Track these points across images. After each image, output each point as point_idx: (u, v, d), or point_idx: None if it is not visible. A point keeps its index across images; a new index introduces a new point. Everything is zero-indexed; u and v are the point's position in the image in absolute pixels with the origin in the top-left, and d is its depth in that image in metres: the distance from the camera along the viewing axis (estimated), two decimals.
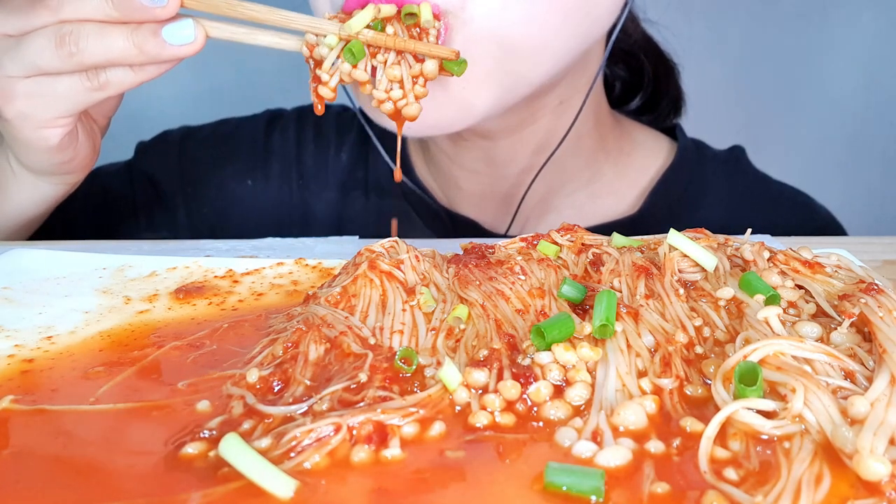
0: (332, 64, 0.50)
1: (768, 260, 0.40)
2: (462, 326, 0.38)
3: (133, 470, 0.28)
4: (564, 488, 0.26)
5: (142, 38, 0.49)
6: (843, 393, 0.30)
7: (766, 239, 0.55)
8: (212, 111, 0.88)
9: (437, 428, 0.30)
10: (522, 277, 0.41)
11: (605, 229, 0.51)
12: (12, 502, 0.26)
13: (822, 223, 0.77)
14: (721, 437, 0.28)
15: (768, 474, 0.26)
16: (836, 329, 0.34)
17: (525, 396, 0.31)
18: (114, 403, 0.33)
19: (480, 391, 0.32)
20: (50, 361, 0.38)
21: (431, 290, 0.40)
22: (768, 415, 0.29)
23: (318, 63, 0.50)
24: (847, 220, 0.79)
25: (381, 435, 0.29)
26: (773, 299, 0.36)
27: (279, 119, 0.84)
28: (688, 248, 0.41)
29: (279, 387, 0.33)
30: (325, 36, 0.49)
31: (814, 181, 0.89)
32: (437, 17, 0.50)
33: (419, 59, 0.50)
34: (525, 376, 0.32)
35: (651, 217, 0.72)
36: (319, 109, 0.52)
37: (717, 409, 0.29)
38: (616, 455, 0.28)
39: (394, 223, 0.56)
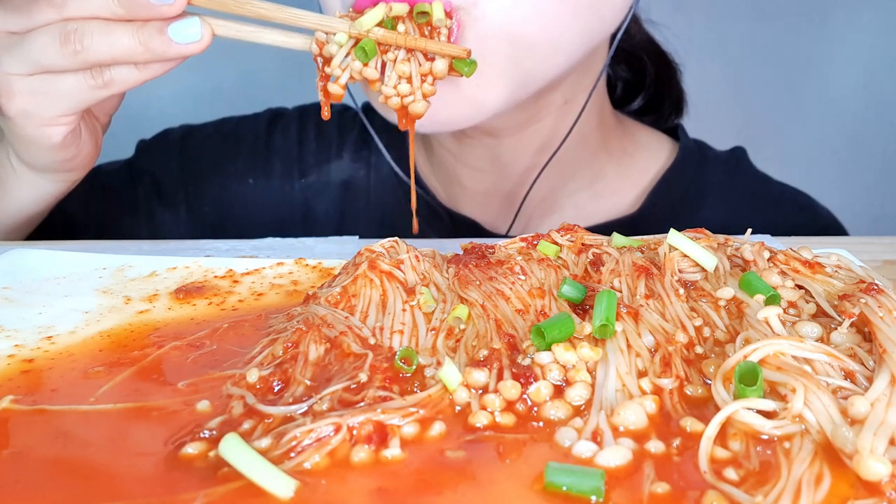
0: (342, 62, 0.49)
1: (768, 260, 0.40)
2: (462, 326, 0.38)
3: (133, 470, 0.28)
4: (564, 488, 0.26)
5: (147, 36, 0.49)
6: (844, 393, 0.30)
7: (767, 239, 0.55)
8: (213, 111, 0.88)
9: (437, 428, 0.30)
10: (522, 277, 0.41)
11: (605, 229, 0.51)
12: (12, 502, 0.26)
13: (823, 224, 0.77)
14: (721, 437, 0.28)
15: (768, 474, 0.26)
16: (836, 329, 0.34)
17: (525, 396, 0.31)
18: (114, 403, 0.33)
19: (480, 391, 0.32)
20: (50, 361, 0.38)
21: (431, 290, 0.40)
22: (768, 415, 0.29)
23: (327, 61, 0.50)
24: (847, 220, 0.79)
25: (381, 435, 0.29)
26: (773, 299, 0.36)
27: (281, 118, 0.84)
28: (688, 248, 0.41)
29: (279, 387, 0.33)
30: (334, 34, 0.49)
31: (814, 181, 0.89)
32: (448, 14, 0.50)
33: (429, 57, 0.50)
34: (525, 376, 0.32)
35: (651, 217, 0.72)
36: (326, 112, 0.52)
37: (717, 409, 0.29)
38: (616, 455, 0.28)
39: (415, 222, 0.56)
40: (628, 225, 0.72)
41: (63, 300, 0.46)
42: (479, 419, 0.30)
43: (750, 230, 0.47)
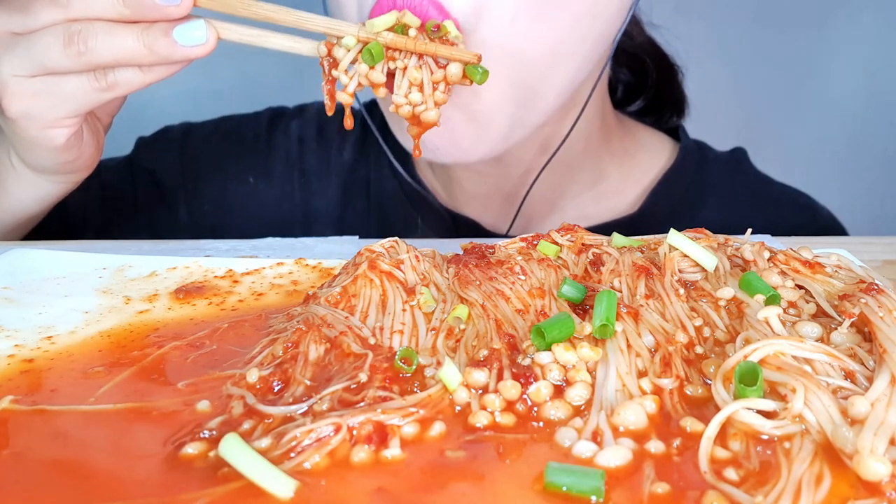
0: (349, 68, 0.49)
1: (768, 260, 0.40)
2: (462, 326, 0.38)
3: (133, 470, 0.28)
4: (564, 488, 0.26)
5: (152, 39, 0.49)
6: (844, 393, 0.30)
7: (767, 239, 0.55)
8: (213, 110, 0.88)
9: (437, 428, 0.30)
10: (522, 277, 0.41)
11: (606, 229, 0.51)
12: (12, 502, 0.26)
13: (823, 224, 0.77)
14: (721, 437, 0.28)
15: (768, 474, 0.26)
16: (836, 329, 0.34)
17: (525, 396, 0.31)
18: (114, 403, 0.33)
19: (480, 391, 0.32)
20: (50, 361, 0.38)
21: (431, 290, 0.40)
22: (768, 415, 0.29)
23: (335, 64, 0.50)
24: (847, 220, 0.79)
25: (381, 435, 0.29)
26: (773, 299, 0.36)
27: (281, 117, 0.84)
28: (688, 248, 0.41)
29: (279, 387, 0.33)
30: (343, 38, 0.49)
31: (814, 181, 0.89)
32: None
33: (441, 64, 0.49)
34: (525, 376, 0.32)
35: (652, 217, 0.72)
36: (330, 107, 0.52)
37: (717, 409, 0.29)
38: (616, 455, 0.28)
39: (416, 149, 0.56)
40: (629, 225, 0.72)
41: (63, 300, 0.46)
42: (479, 419, 0.30)
43: (750, 230, 0.47)
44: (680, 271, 0.41)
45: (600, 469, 0.27)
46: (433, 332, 0.37)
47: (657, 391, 0.31)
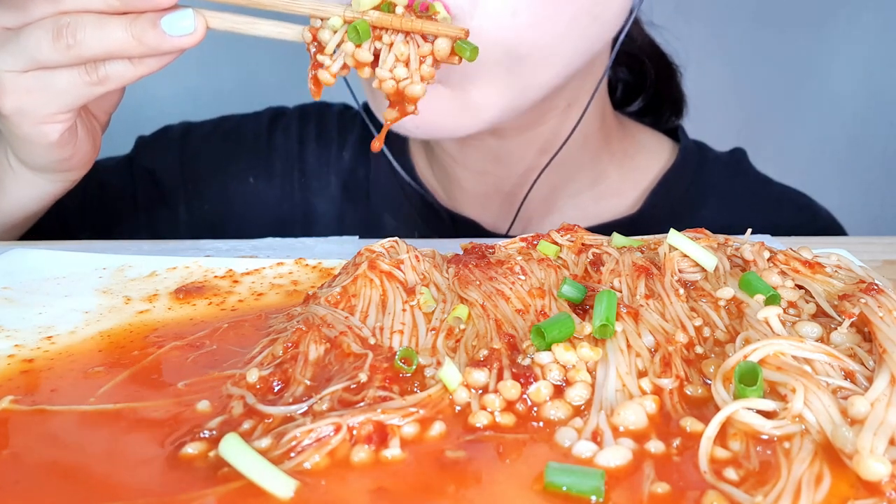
0: (336, 48, 0.49)
1: (768, 260, 0.40)
2: (462, 326, 0.38)
3: (133, 470, 0.28)
4: (564, 488, 0.26)
5: (140, 30, 0.49)
6: (843, 393, 0.30)
7: (766, 239, 0.55)
8: (212, 111, 0.88)
9: (437, 428, 0.30)
10: (522, 277, 0.41)
11: (606, 229, 0.51)
12: (12, 502, 0.26)
13: (822, 225, 0.77)
14: (721, 437, 0.28)
15: (768, 474, 0.26)
16: (836, 329, 0.34)
17: (525, 396, 0.31)
18: (114, 403, 0.33)
19: (480, 391, 0.32)
20: (50, 361, 0.38)
21: (431, 290, 0.40)
22: (768, 415, 0.29)
23: (321, 48, 0.49)
24: (847, 220, 0.79)
25: (381, 435, 0.29)
26: (773, 299, 0.36)
27: (282, 117, 0.84)
28: (688, 248, 0.41)
29: (279, 387, 0.33)
30: (328, 19, 0.48)
31: (814, 181, 0.89)
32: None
33: (429, 39, 0.48)
34: (525, 376, 0.32)
35: (652, 218, 0.72)
36: (315, 92, 0.51)
37: (717, 409, 0.29)
38: (616, 455, 0.28)
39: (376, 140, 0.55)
40: (628, 226, 0.72)
41: (63, 300, 0.46)
42: (479, 419, 0.30)
43: (750, 230, 0.47)
44: (680, 271, 0.41)
45: (600, 469, 0.27)
46: (433, 332, 0.37)
47: (657, 391, 0.31)
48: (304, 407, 0.31)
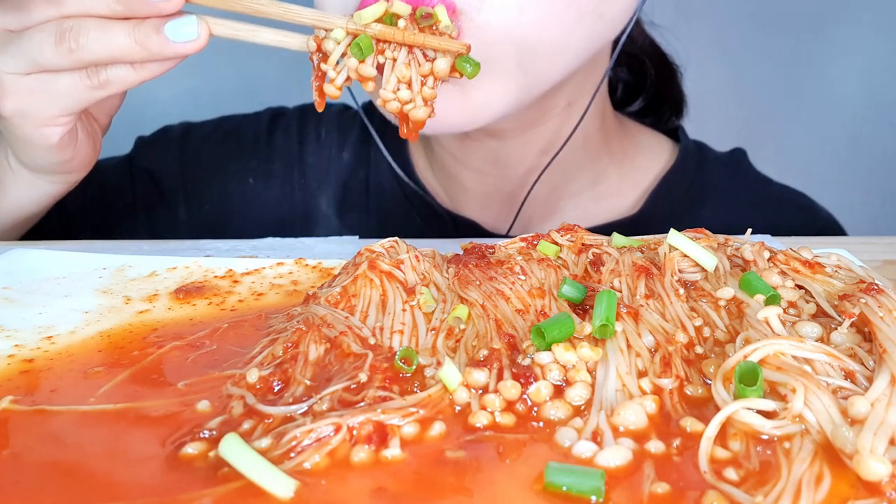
0: (339, 60, 0.49)
1: (768, 260, 0.40)
2: (462, 326, 0.38)
3: (133, 470, 0.28)
4: (564, 488, 0.26)
5: (144, 35, 0.49)
6: (844, 393, 0.30)
7: (767, 239, 0.55)
8: (212, 111, 0.88)
9: (437, 428, 0.30)
10: (522, 277, 0.41)
11: (606, 230, 0.51)
12: (12, 502, 0.26)
13: (822, 225, 0.77)
14: (721, 437, 0.28)
15: (768, 474, 0.26)
16: (836, 329, 0.34)
17: (525, 396, 0.31)
18: (114, 404, 0.33)
19: (480, 391, 0.32)
20: (50, 362, 0.38)
21: (431, 290, 0.40)
22: (768, 415, 0.29)
23: (324, 58, 0.50)
24: (847, 220, 0.79)
25: (381, 435, 0.29)
26: (773, 299, 0.36)
27: (281, 117, 0.84)
28: (688, 247, 0.41)
29: (279, 387, 0.33)
30: (332, 30, 0.49)
31: (814, 181, 0.89)
32: (452, 17, 0.50)
33: (428, 58, 0.49)
34: (525, 376, 0.32)
35: (652, 218, 0.72)
36: (320, 104, 0.51)
37: (717, 409, 0.29)
38: (616, 455, 0.28)
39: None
40: (628, 226, 0.72)
41: (63, 300, 0.46)
42: (479, 419, 0.30)
43: (750, 230, 0.47)
44: (680, 271, 0.41)
45: (600, 469, 0.27)
46: (433, 332, 0.37)
47: (657, 391, 0.31)
48: (304, 407, 0.31)
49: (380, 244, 0.44)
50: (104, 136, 0.62)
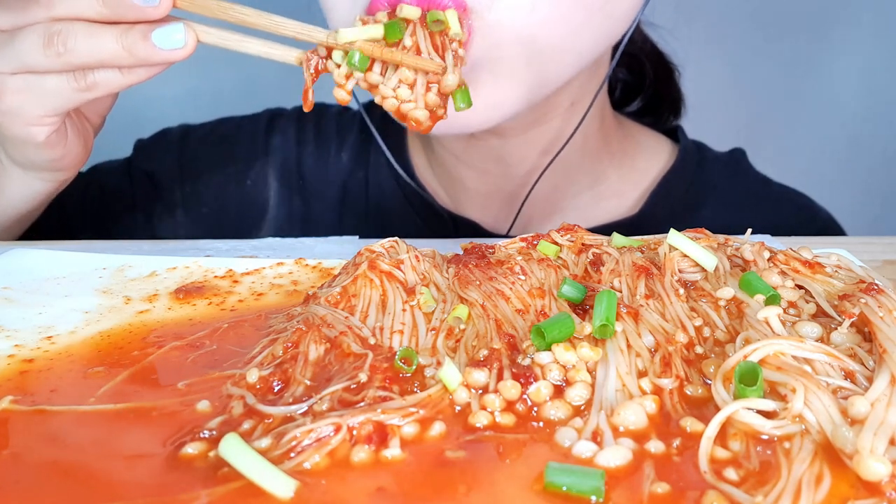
0: (346, 69, 0.49)
1: (768, 260, 0.40)
2: (462, 326, 0.38)
3: (133, 470, 0.28)
4: (564, 488, 0.26)
5: (131, 41, 0.49)
6: (844, 393, 0.30)
7: (766, 239, 0.55)
8: (212, 111, 0.88)
9: (437, 428, 0.30)
10: (522, 277, 0.41)
11: (606, 231, 0.51)
12: (12, 502, 0.26)
13: (822, 225, 0.77)
14: (721, 437, 0.28)
15: (768, 474, 0.26)
16: (836, 329, 0.34)
17: (525, 396, 0.31)
18: (114, 404, 0.33)
19: (480, 391, 0.32)
20: (49, 362, 0.38)
21: (431, 290, 0.40)
22: (768, 415, 0.29)
23: (329, 53, 0.49)
24: (847, 220, 0.79)
25: (381, 435, 0.29)
26: (773, 299, 0.36)
27: (280, 118, 0.84)
28: (688, 248, 0.41)
29: (279, 387, 0.33)
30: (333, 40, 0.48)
31: (814, 181, 0.89)
32: (461, 18, 0.50)
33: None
34: (525, 376, 0.32)
35: (652, 218, 0.72)
36: (309, 104, 0.51)
37: (717, 409, 0.29)
38: (616, 455, 0.28)
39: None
40: (628, 226, 0.72)
41: (63, 300, 0.46)
42: (479, 419, 0.30)
43: (750, 230, 0.47)
44: (680, 271, 0.41)
45: (600, 469, 0.27)
46: (433, 332, 0.37)
47: (657, 391, 0.31)
48: (304, 407, 0.31)
49: (380, 244, 0.44)
50: (97, 135, 0.62)
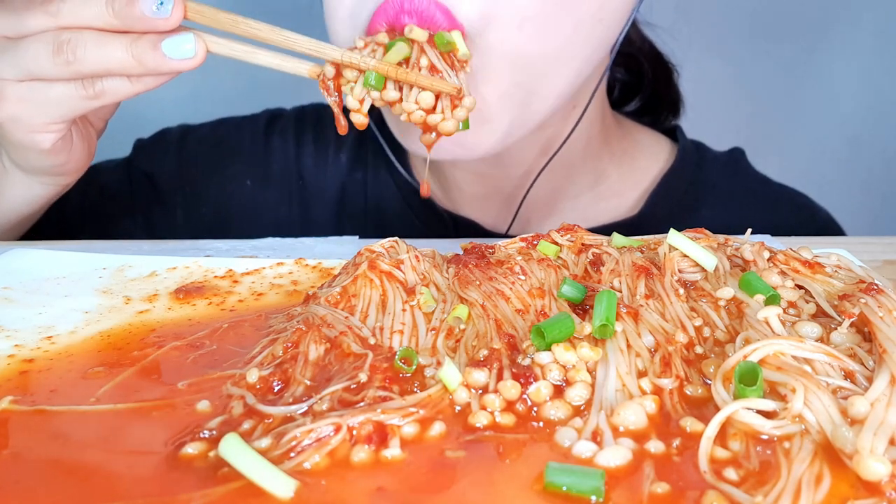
0: (361, 89, 0.49)
1: (768, 260, 0.40)
2: (462, 326, 0.38)
3: (133, 470, 0.28)
4: (564, 488, 0.26)
5: (141, 51, 0.49)
6: (843, 393, 0.30)
7: (766, 239, 0.55)
8: (212, 112, 0.88)
9: (437, 428, 0.30)
10: (522, 277, 0.41)
11: (606, 231, 0.51)
12: (12, 502, 0.26)
13: (821, 224, 0.77)
14: (721, 437, 0.28)
15: (768, 474, 0.26)
16: (836, 329, 0.34)
17: (525, 396, 0.31)
18: (114, 404, 0.33)
19: (480, 391, 0.32)
20: (49, 362, 0.38)
21: (431, 290, 0.40)
22: (768, 415, 0.29)
23: (339, 72, 0.50)
24: (847, 220, 0.79)
25: (381, 435, 0.29)
26: (773, 299, 0.36)
27: (279, 119, 0.84)
28: (688, 247, 0.41)
29: (279, 387, 0.33)
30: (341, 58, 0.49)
31: (814, 181, 0.89)
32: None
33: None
34: (525, 376, 0.32)
35: (652, 218, 0.72)
36: (344, 127, 0.52)
37: (717, 409, 0.29)
38: (616, 455, 0.28)
39: (424, 184, 0.55)
40: (628, 227, 0.72)
41: (63, 300, 0.46)
42: (479, 419, 0.30)
43: (750, 230, 0.47)
44: (680, 271, 0.41)
45: (600, 469, 0.27)
46: (433, 332, 0.37)
47: (657, 391, 0.31)
48: (304, 407, 0.31)
49: (380, 244, 0.44)
50: (99, 138, 0.62)
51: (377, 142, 0.76)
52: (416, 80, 0.48)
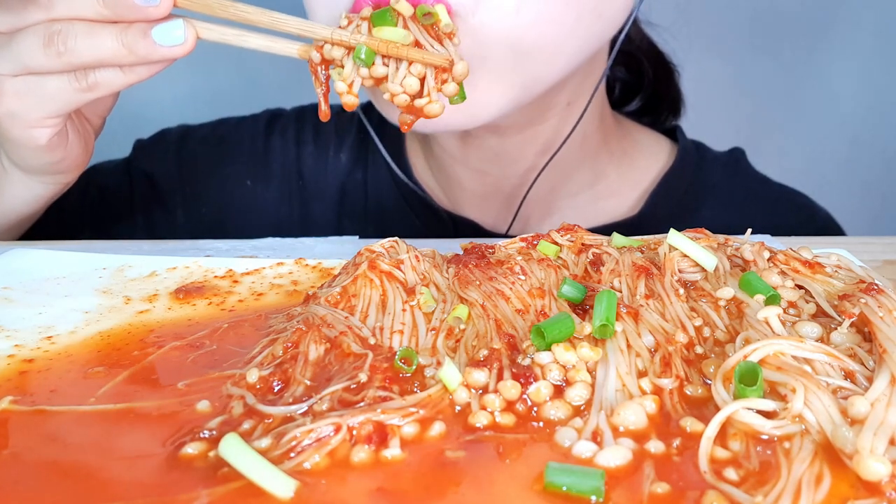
0: (351, 67, 0.49)
1: (768, 260, 0.40)
2: (462, 326, 0.38)
3: (133, 470, 0.28)
4: (564, 488, 0.26)
5: (131, 39, 0.49)
6: (843, 393, 0.30)
7: (766, 239, 0.55)
8: (211, 112, 0.88)
9: (437, 428, 0.30)
10: (522, 277, 0.41)
11: (606, 231, 0.51)
12: (12, 502, 0.26)
13: (821, 224, 0.77)
14: (721, 437, 0.28)
15: (768, 474, 0.26)
16: (836, 329, 0.34)
17: (525, 396, 0.31)
18: (113, 404, 0.33)
19: (480, 391, 0.32)
20: (49, 362, 0.38)
21: (431, 290, 0.40)
22: (768, 415, 0.29)
23: (326, 63, 0.50)
24: (846, 220, 0.79)
25: (381, 435, 0.29)
26: (773, 299, 0.36)
27: (279, 119, 0.84)
28: (688, 247, 0.41)
29: (279, 387, 0.33)
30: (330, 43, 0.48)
31: (814, 181, 0.89)
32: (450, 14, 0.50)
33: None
34: (525, 376, 0.32)
35: (652, 218, 0.72)
36: (326, 113, 0.51)
37: (717, 409, 0.29)
38: (616, 455, 0.28)
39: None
40: (628, 227, 0.72)
41: (63, 300, 0.46)
42: (479, 419, 0.30)
43: (750, 230, 0.47)
44: (680, 271, 0.41)
45: (600, 469, 0.27)
46: (433, 332, 0.37)
47: (657, 391, 0.31)
48: (304, 407, 0.31)
49: (380, 244, 0.44)
50: (97, 136, 0.62)
51: (376, 143, 0.76)
52: (407, 53, 0.48)
